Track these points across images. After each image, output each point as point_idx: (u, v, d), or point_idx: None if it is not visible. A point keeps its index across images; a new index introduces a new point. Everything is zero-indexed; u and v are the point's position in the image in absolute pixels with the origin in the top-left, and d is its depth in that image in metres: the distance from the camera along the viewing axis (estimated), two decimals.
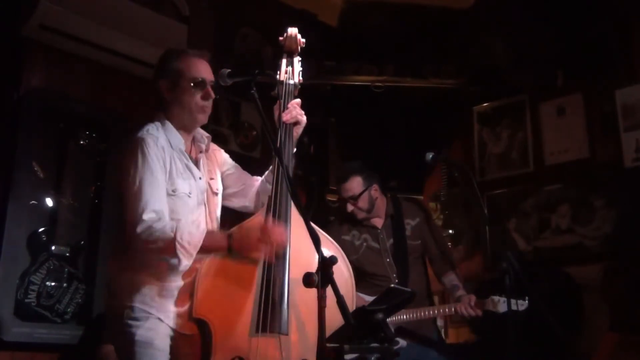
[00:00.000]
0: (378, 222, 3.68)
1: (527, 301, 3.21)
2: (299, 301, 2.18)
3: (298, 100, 2.53)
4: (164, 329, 2.23)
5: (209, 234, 2.21)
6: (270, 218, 2.27)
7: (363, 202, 3.60)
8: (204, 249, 2.16)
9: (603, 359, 4.08)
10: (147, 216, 2.14)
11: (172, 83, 2.38)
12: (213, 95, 2.41)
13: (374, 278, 3.60)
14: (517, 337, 2.93)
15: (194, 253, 2.14)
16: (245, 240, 2.13)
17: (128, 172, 2.22)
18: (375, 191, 3.65)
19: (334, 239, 3.69)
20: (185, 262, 2.16)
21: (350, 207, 3.62)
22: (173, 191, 2.27)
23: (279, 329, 2.12)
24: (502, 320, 3.05)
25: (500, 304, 3.28)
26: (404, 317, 3.44)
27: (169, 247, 2.12)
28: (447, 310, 3.49)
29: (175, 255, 2.13)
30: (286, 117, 2.47)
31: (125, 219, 2.21)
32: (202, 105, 2.39)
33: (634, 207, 4.31)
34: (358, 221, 3.68)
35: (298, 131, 2.52)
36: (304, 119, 2.52)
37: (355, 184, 3.61)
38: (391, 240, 3.63)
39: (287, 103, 2.51)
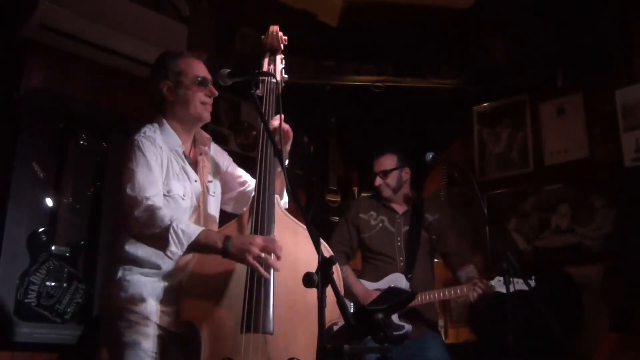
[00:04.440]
0: (399, 207, 3.73)
1: (533, 280, 3.11)
2: (285, 301, 2.18)
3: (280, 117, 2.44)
4: (152, 329, 2.22)
5: (206, 231, 2.17)
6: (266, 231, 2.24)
7: (392, 180, 3.67)
8: (198, 245, 2.10)
9: (603, 359, 4.08)
10: (146, 202, 2.14)
11: (174, 83, 2.39)
12: (216, 92, 2.45)
13: (380, 258, 3.62)
14: (517, 337, 2.92)
15: (186, 244, 2.08)
16: (244, 247, 2.09)
17: (126, 168, 2.23)
18: (406, 174, 3.72)
19: (353, 215, 3.75)
20: (177, 252, 2.08)
21: (378, 181, 3.70)
22: (167, 192, 2.28)
23: (264, 328, 2.11)
24: (502, 321, 3.05)
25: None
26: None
27: (163, 233, 2.07)
28: (452, 292, 3.42)
29: (168, 242, 2.05)
30: (278, 138, 2.38)
31: (122, 210, 2.19)
32: (205, 102, 2.42)
33: (634, 207, 4.31)
34: (381, 202, 3.74)
35: (287, 145, 2.49)
36: (290, 133, 2.48)
37: (389, 160, 3.70)
38: (407, 227, 3.66)
39: (270, 101, 2.49)
